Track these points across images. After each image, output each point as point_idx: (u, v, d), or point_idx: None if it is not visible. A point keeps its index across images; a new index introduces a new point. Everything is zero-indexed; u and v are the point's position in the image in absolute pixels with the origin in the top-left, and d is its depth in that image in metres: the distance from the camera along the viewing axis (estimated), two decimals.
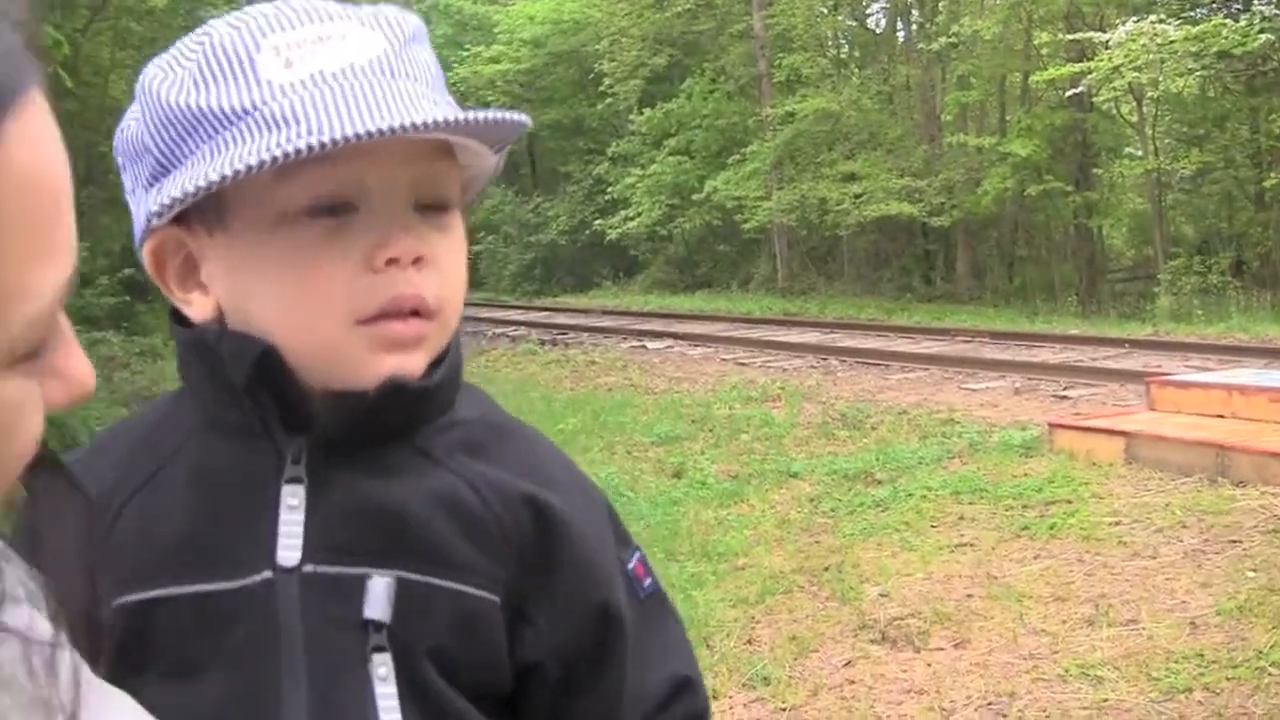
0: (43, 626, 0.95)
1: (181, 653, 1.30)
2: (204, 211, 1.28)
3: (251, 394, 1.31)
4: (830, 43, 41.35)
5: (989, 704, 6.56)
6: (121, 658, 1.25)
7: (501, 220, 49.87)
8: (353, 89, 1.23)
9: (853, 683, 6.98)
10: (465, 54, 49.16)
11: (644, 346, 24.89)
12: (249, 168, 1.17)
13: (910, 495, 10.73)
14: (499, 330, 30.56)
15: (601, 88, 43.85)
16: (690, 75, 42.14)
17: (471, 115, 1.24)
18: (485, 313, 36.74)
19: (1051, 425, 12.25)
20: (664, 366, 21.60)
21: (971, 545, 9.25)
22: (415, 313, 1.31)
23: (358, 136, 1.17)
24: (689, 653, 1.56)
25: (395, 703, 1.30)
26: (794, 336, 24.82)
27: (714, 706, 6.69)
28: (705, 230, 40.63)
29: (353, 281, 1.28)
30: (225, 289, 1.33)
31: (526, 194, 51.26)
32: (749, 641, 7.73)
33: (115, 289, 21.59)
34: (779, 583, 8.75)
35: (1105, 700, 6.44)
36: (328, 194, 1.26)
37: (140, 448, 1.40)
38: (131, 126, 1.32)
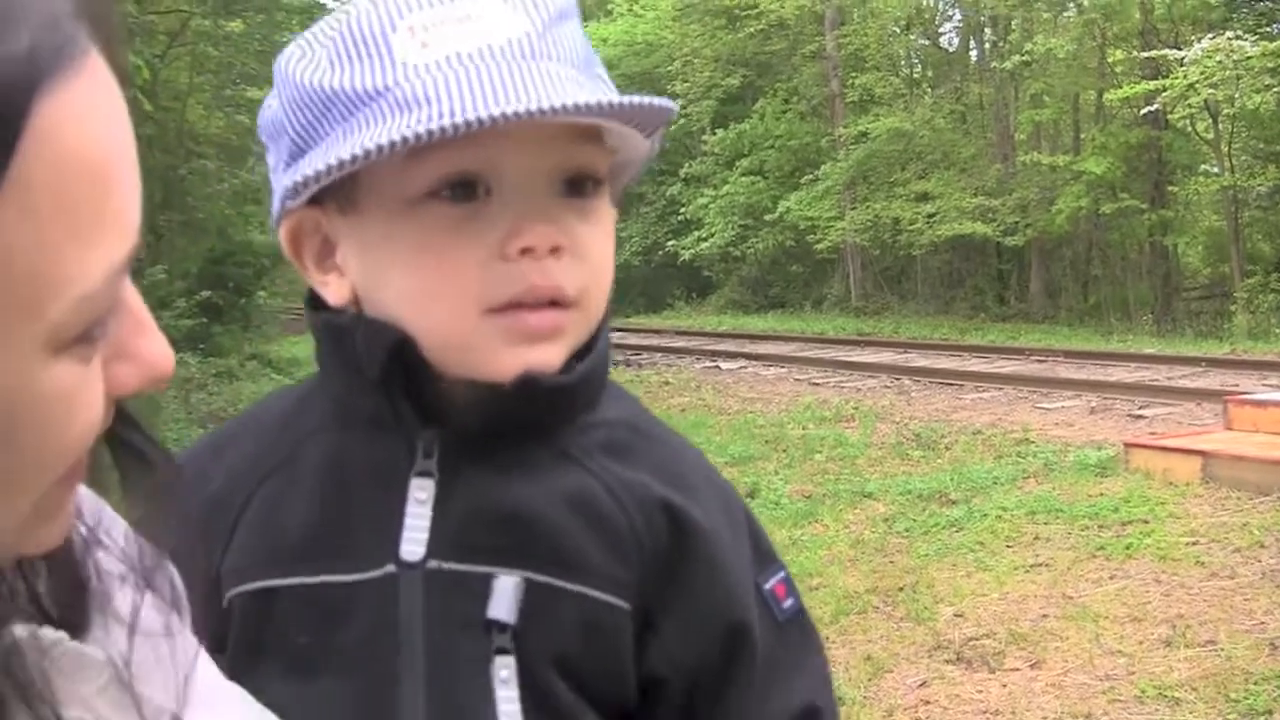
0: (151, 617, 0.97)
1: (300, 644, 1.29)
2: (338, 192, 1.27)
3: (385, 385, 1.30)
4: (903, 62, 41.28)
5: None
6: (241, 646, 1.30)
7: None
8: (489, 71, 1.20)
9: (928, 703, 6.96)
10: None
11: (717, 367, 24.86)
12: (378, 148, 1.15)
13: (985, 515, 10.68)
14: None
15: None
16: (763, 96, 42.15)
17: (608, 100, 1.20)
18: None
19: (1127, 445, 12.17)
20: (737, 387, 21.57)
21: (1047, 565, 9.20)
22: (553, 303, 1.28)
23: (487, 120, 1.15)
24: (825, 682, 1.49)
25: (517, 706, 1.27)
26: (868, 356, 24.73)
27: None
28: (778, 250, 40.58)
29: (484, 269, 1.25)
30: (359, 272, 1.31)
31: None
32: None
33: (192, 311, 21.78)
34: (853, 603, 8.74)
35: None
36: (456, 173, 1.24)
37: (272, 435, 1.40)
38: (272, 106, 1.31)
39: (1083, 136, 34.33)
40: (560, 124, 1.23)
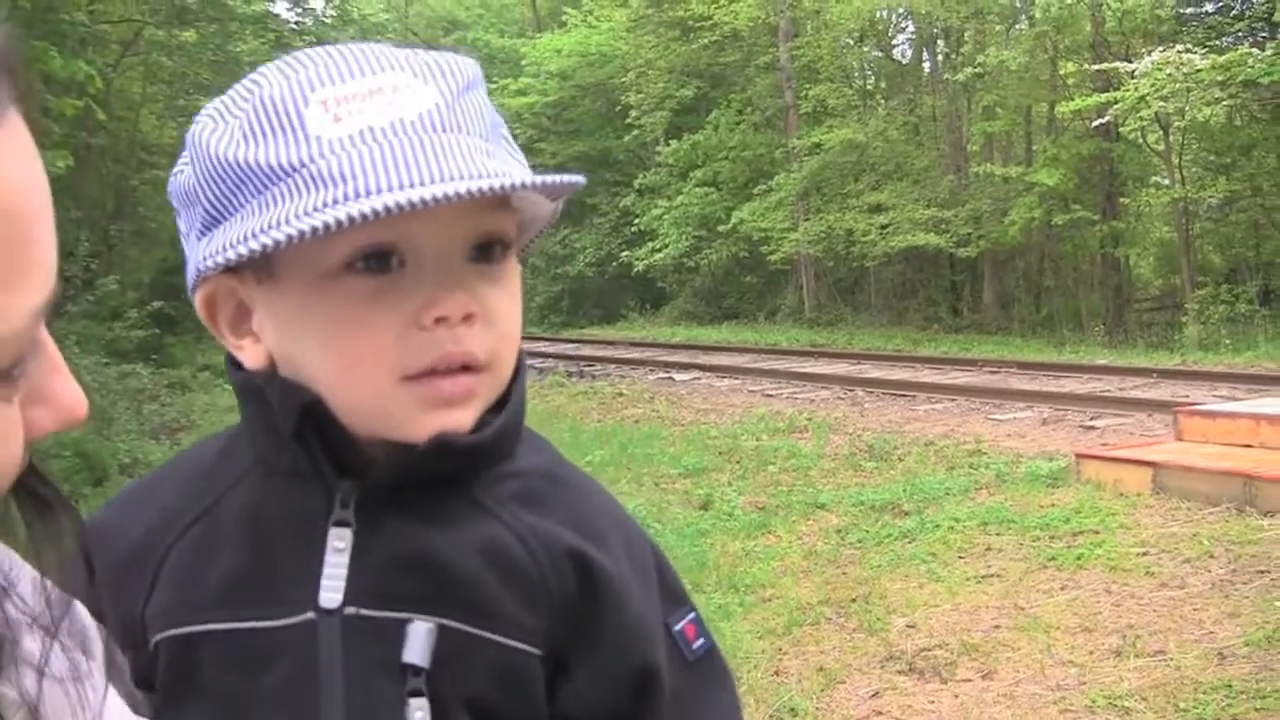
0: (59, 660, 0.97)
1: (223, 688, 1.31)
2: (254, 262, 1.27)
3: (300, 440, 1.32)
4: (856, 74, 41.43)
5: None
6: (169, 688, 1.31)
7: (528, 252, 49.81)
8: (403, 146, 1.22)
9: (880, 714, 6.98)
10: (493, 87, 48.81)
11: (671, 378, 24.89)
12: (301, 234, 1.17)
13: (937, 526, 10.72)
14: (527, 362, 30.48)
15: (628, 120, 43.95)
16: (717, 107, 42.23)
17: (521, 180, 1.24)
18: None
19: (1079, 455, 12.24)
20: (691, 398, 21.59)
21: (999, 576, 9.24)
22: (465, 368, 1.31)
23: (406, 205, 1.17)
24: (734, 713, 1.53)
25: None
26: (821, 368, 24.78)
27: None
28: (732, 262, 40.68)
29: (400, 339, 1.27)
30: (275, 338, 1.33)
31: (554, 226, 51.18)
32: (776, 673, 7.73)
33: (144, 322, 21.73)
34: (806, 614, 8.75)
35: None
36: (371, 245, 1.25)
37: (195, 484, 1.41)
38: (185, 173, 1.32)
39: (1035, 148, 34.50)
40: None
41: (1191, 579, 8.77)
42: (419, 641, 1.30)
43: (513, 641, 1.33)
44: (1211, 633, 7.70)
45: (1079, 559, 9.40)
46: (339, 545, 1.32)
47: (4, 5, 15.68)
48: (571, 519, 1.40)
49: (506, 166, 1.29)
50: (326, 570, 1.31)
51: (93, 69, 18.64)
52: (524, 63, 48.88)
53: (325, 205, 1.19)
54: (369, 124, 1.24)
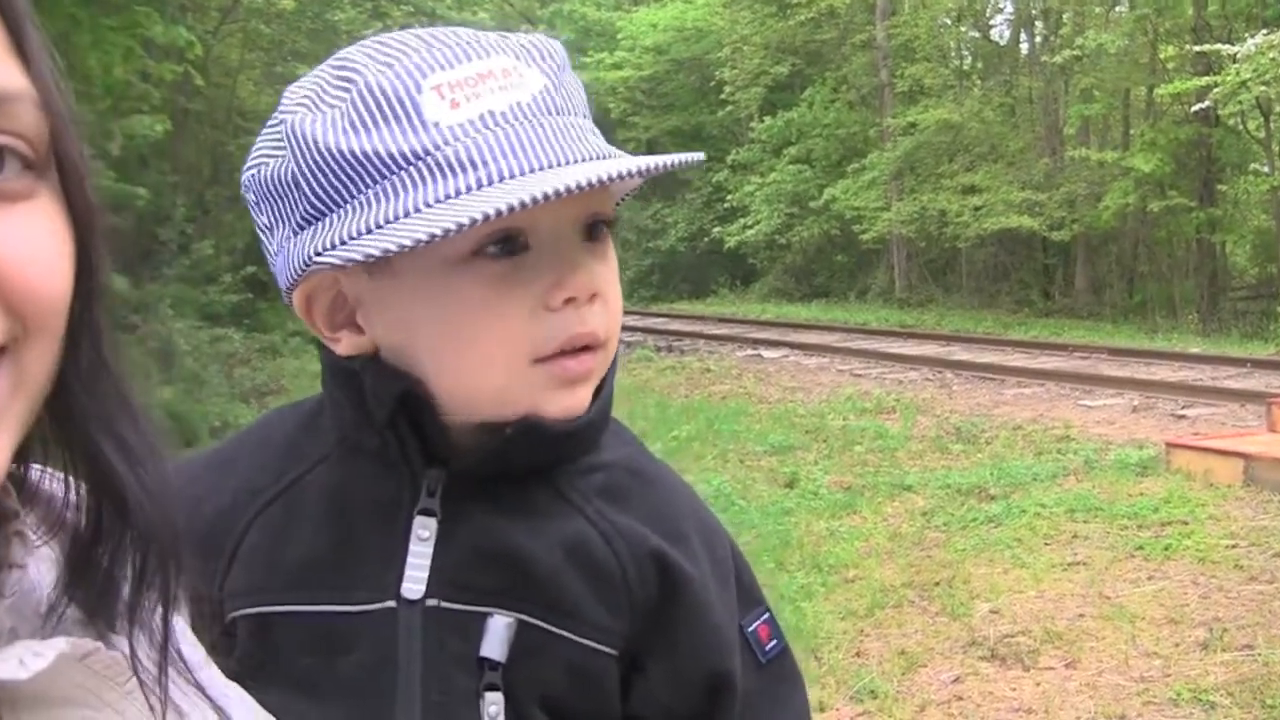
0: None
1: (299, 670, 1.32)
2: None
3: (393, 426, 1.32)
4: (953, 54, 41.10)
5: None
6: (245, 664, 1.29)
7: (620, 226, 49.85)
8: (525, 131, 1.24)
9: (960, 699, 6.96)
10: (588, 60, 49.32)
11: (759, 355, 24.87)
12: (471, 221, 1.16)
13: (1024, 512, 10.66)
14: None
15: (722, 95, 43.84)
16: (811, 84, 42.07)
17: (652, 162, 1.24)
18: None
19: (1169, 445, 12.12)
20: (779, 376, 21.57)
21: (1084, 564, 9.18)
22: (586, 347, 1.33)
23: (558, 193, 1.17)
24: (801, 715, 1.53)
25: None
26: (910, 349, 24.68)
27: (821, 719, 6.73)
28: (823, 240, 40.53)
29: (530, 321, 1.28)
30: (387, 330, 1.33)
31: (645, 200, 51.30)
32: (857, 654, 7.72)
33: (238, 286, 21.89)
34: (889, 596, 8.74)
35: None
36: (502, 230, 1.25)
37: (276, 460, 1.41)
38: (271, 164, 1.30)
39: (1132, 132, 34.12)
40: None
41: None
42: (497, 636, 1.31)
43: (591, 642, 1.34)
44: None
45: (1167, 549, 9.32)
46: (423, 534, 1.32)
47: None
48: (655, 517, 1.41)
49: (607, 145, 1.31)
50: (410, 560, 1.32)
51: (192, 35, 18.77)
52: (619, 36, 48.85)
53: (460, 192, 1.20)
54: (488, 108, 1.24)
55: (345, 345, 1.34)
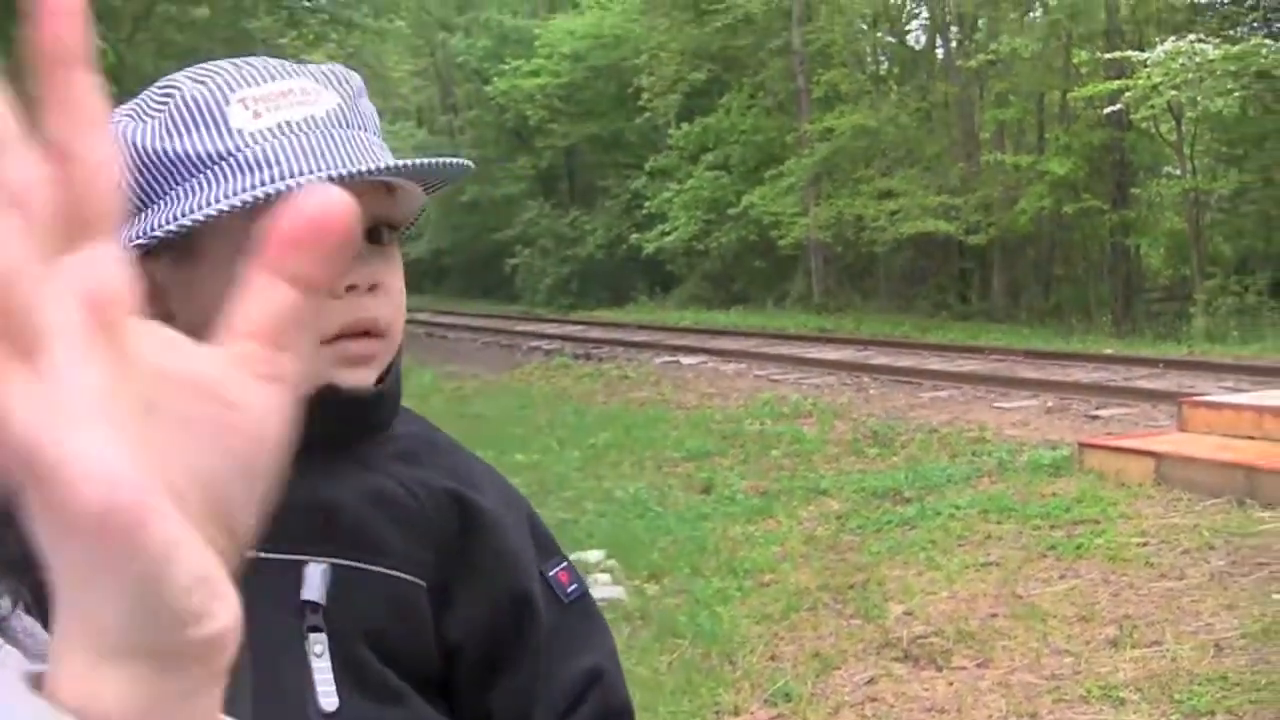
0: None
1: None
2: (174, 245, 1.39)
3: None
4: (869, 59, 41.34)
5: None
6: None
7: (538, 234, 50.01)
8: (318, 137, 1.39)
9: (874, 700, 6.99)
10: (505, 68, 49.35)
11: (678, 362, 24.87)
12: (239, 205, 1.31)
13: (938, 514, 10.72)
14: (533, 344, 30.63)
15: (640, 102, 43.88)
16: (729, 90, 42.16)
17: (427, 160, 1.44)
18: (520, 326, 36.85)
19: (1082, 445, 12.22)
20: (697, 382, 21.59)
21: (998, 564, 9.24)
22: (367, 333, 1.47)
23: (332, 178, 1.31)
24: (609, 649, 1.65)
25: (330, 677, 1.41)
26: (828, 353, 24.76)
27: None
28: (742, 246, 40.57)
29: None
30: (192, 314, 1.40)
31: (564, 208, 51.38)
32: (772, 658, 7.74)
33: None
34: (804, 599, 8.76)
35: None
36: None
37: None
38: None
39: (1046, 136, 34.42)
40: (368, 181, 1.41)
41: (1190, 570, 8.77)
42: (315, 580, 1.42)
43: (400, 573, 1.47)
44: (1209, 624, 7.70)
45: (1078, 548, 9.39)
46: None
47: None
48: (449, 469, 1.56)
49: (412, 159, 1.46)
50: None
51: (105, 44, 18.62)
52: (537, 44, 48.85)
53: (252, 188, 1.33)
54: (286, 119, 1.40)
55: None
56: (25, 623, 1.04)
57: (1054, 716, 6.60)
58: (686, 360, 24.96)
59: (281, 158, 1.35)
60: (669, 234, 41.36)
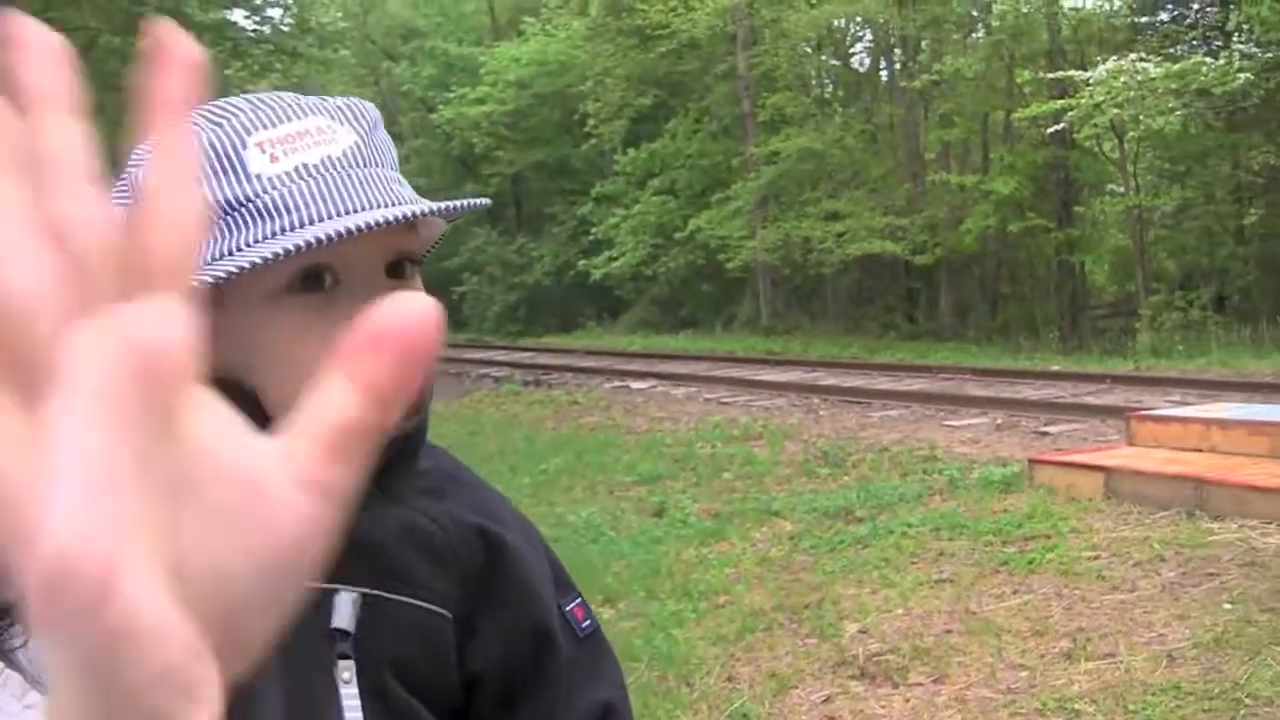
0: None
1: None
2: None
3: None
4: (814, 82, 41.51)
5: None
6: None
7: (486, 261, 49.95)
8: (334, 180, 1.39)
9: (832, 719, 7.00)
10: (451, 95, 49.35)
11: (627, 386, 24.90)
12: (269, 258, 1.31)
13: (890, 532, 10.75)
14: (483, 371, 30.61)
15: (586, 128, 44.02)
16: (675, 115, 42.32)
17: (444, 205, 1.43)
18: (469, 353, 36.77)
19: (1032, 461, 12.28)
20: (647, 406, 21.62)
21: (951, 581, 9.27)
22: None
23: (355, 230, 1.32)
24: (620, 685, 1.70)
25: (358, 703, 1.43)
26: (777, 375, 24.84)
27: None
28: (689, 270, 40.72)
29: None
30: (223, 356, 1.41)
31: (511, 234, 51.36)
32: (729, 679, 7.74)
33: None
34: (759, 620, 8.78)
35: None
36: (310, 267, 1.39)
37: None
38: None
39: (991, 156, 34.63)
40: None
41: (1142, 582, 8.81)
42: (344, 609, 1.44)
43: (426, 604, 1.50)
44: (1161, 635, 7.75)
45: (1031, 564, 9.43)
46: None
47: None
48: (474, 505, 1.60)
49: (413, 194, 1.47)
50: None
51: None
52: (482, 71, 48.84)
53: (275, 234, 1.35)
54: (303, 161, 1.39)
55: None
56: (36, 648, 1.11)
57: None
58: (636, 385, 25.00)
59: (300, 203, 1.36)
60: (616, 259, 41.47)
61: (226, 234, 1.36)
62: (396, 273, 1.47)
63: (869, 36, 39.81)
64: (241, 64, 32.11)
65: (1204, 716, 6.52)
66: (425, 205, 1.41)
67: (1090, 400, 17.78)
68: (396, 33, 59.80)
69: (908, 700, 7.13)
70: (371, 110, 1.52)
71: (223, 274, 1.32)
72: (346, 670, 1.44)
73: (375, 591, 1.47)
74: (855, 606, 8.87)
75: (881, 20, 35.66)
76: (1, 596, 1.01)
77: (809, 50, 39.65)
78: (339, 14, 48.87)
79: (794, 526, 11.46)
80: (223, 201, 1.37)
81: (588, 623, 1.67)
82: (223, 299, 1.40)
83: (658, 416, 20.10)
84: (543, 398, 23.96)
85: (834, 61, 41.11)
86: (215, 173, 1.37)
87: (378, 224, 1.34)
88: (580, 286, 45.29)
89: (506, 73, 47.85)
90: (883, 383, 22.39)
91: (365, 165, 1.43)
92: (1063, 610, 8.39)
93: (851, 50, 41.12)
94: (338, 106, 1.47)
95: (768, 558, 10.52)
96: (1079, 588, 8.81)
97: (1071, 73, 27.79)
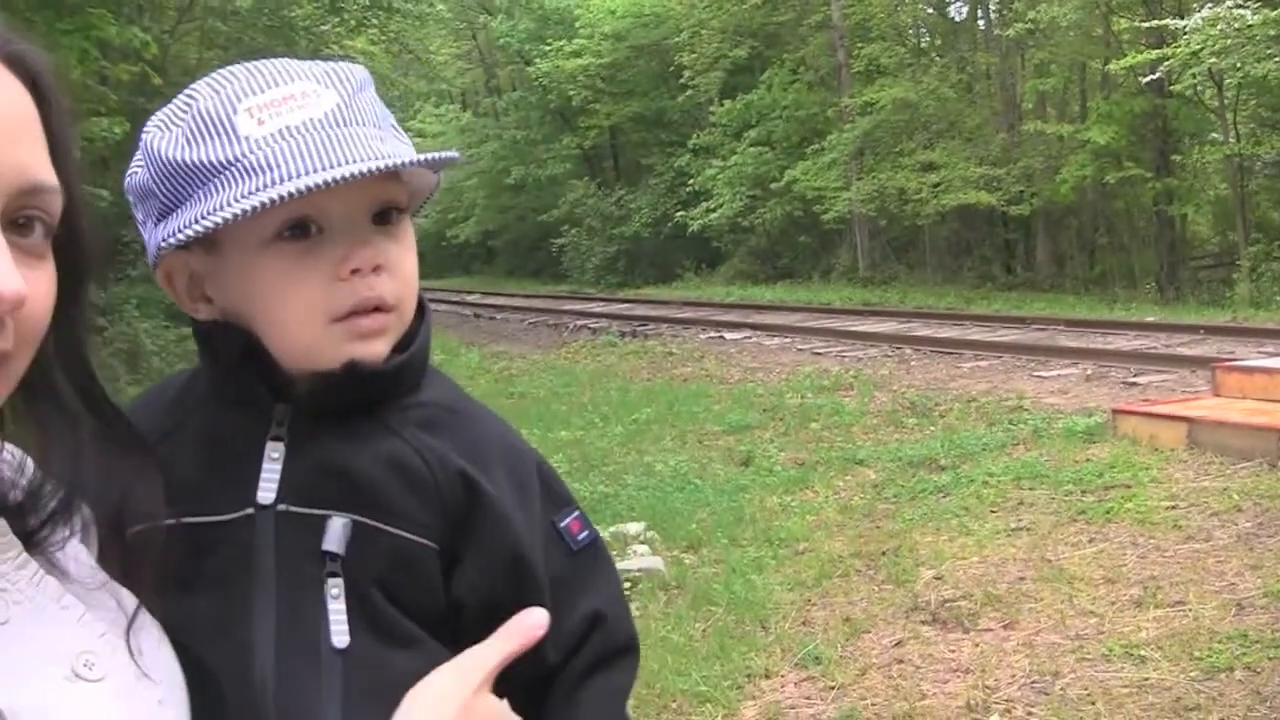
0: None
1: (177, 572, 1.55)
2: (202, 239, 1.57)
3: (241, 371, 1.62)
4: (910, 31, 41.26)
5: (1033, 683, 6.71)
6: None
7: (584, 214, 50.12)
8: (314, 140, 1.53)
9: (901, 662, 7.15)
10: (548, 48, 49.41)
11: (722, 337, 25.03)
12: (239, 214, 1.48)
13: (972, 481, 10.86)
14: (580, 322, 30.82)
15: (682, 80, 44.01)
16: (770, 66, 42.21)
17: (403, 159, 1.55)
18: (568, 305, 37.02)
19: (1115, 411, 12.32)
20: (740, 357, 21.76)
21: (1028, 529, 9.38)
22: (377, 309, 1.60)
23: (322, 185, 1.48)
24: (612, 592, 1.78)
25: (344, 618, 1.56)
26: (871, 326, 24.89)
27: (766, 685, 6.93)
28: (786, 221, 40.66)
29: (326, 289, 1.58)
30: (224, 298, 1.63)
31: (609, 187, 51.47)
32: (804, 623, 7.91)
33: None
34: (836, 566, 8.93)
35: (1147, 679, 6.58)
36: (295, 219, 1.56)
37: (165, 409, 1.71)
38: (138, 174, 1.62)
39: (1089, 105, 34.31)
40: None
41: (1217, 532, 8.89)
42: (336, 533, 1.57)
43: (413, 536, 1.60)
44: (1232, 584, 7.83)
45: (1108, 513, 9.52)
46: (274, 455, 1.61)
47: None
48: (462, 444, 1.68)
49: (395, 149, 1.58)
50: (264, 475, 1.60)
51: (148, 35, 18.87)
52: (578, 24, 48.87)
53: (256, 190, 1.49)
54: (286, 124, 1.55)
55: (204, 312, 1.66)
56: (74, 551, 1.32)
57: (1075, 675, 6.73)
58: (730, 336, 25.12)
59: (281, 161, 1.50)
60: (714, 211, 41.50)
61: (222, 190, 1.52)
62: (381, 220, 1.62)
63: None
64: (338, 20, 32.29)
65: (1269, 663, 6.61)
66: (389, 160, 1.53)
67: (1183, 351, 17.70)
68: None
69: (977, 645, 7.27)
70: (358, 73, 1.65)
71: (211, 224, 1.49)
72: (335, 587, 1.56)
73: (365, 519, 1.58)
74: (932, 554, 9.01)
75: None
76: (47, 505, 1.25)
77: None
78: None
79: (877, 475, 11.59)
80: (216, 162, 1.53)
81: (584, 534, 1.75)
82: (220, 247, 1.59)
83: (750, 367, 20.24)
84: (638, 348, 24.13)
85: (930, 10, 40.85)
86: (211, 136, 1.54)
87: (343, 178, 1.48)
88: (678, 238, 45.33)
89: (602, 25, 47.86)
90: (975, 333, 22.41)
91: (345, 125, 1.56)
92: (1136, 558, 8.49)
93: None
94: (325, 71, 1.62)
95: (849, 506, 10.67)
96: (1154, 537, 8.90)
97: (1168, 21, 27.46)
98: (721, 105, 42.80)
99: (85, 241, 1.35)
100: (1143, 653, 6.89)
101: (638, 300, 37.92)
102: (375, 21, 33.79)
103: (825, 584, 8.59)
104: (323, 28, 31.98)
